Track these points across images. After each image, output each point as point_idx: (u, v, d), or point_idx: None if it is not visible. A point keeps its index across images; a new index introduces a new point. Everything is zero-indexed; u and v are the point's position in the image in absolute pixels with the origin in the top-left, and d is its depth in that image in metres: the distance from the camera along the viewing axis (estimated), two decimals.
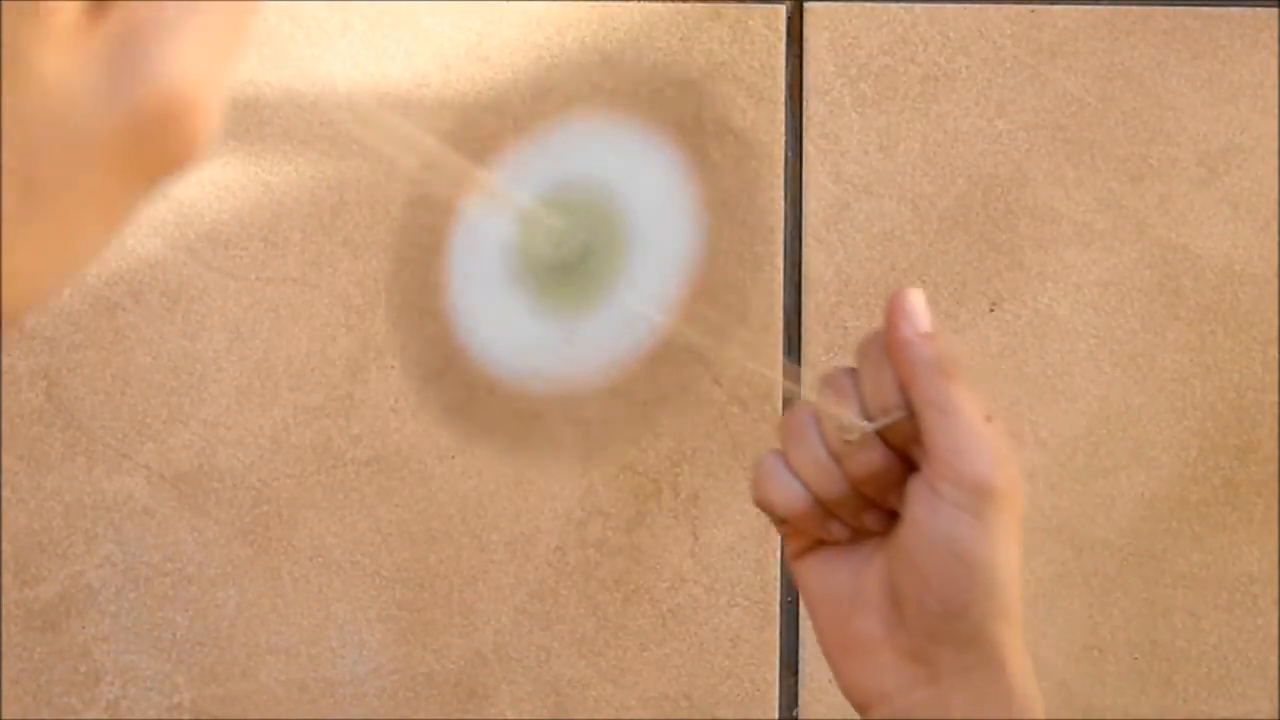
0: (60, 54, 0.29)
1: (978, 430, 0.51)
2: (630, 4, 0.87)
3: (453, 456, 0.86)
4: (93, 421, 0.86)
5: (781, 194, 0.87)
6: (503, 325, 0.50)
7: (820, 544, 0.55)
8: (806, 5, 0.87)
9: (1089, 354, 0.88)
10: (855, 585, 0.54)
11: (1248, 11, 0.88)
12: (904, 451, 0.52)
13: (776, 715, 0.87)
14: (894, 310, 0.54)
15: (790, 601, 0.87)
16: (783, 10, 0.87)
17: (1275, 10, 0.88)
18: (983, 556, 0.49)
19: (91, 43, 0.29)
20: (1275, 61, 0.88)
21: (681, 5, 0.87)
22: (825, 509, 0.54)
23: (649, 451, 0.87)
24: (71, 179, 0.30)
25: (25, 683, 0.86)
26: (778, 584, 0.87)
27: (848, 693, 0.54)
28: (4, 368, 0.86)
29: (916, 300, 0.55)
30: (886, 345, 0.54)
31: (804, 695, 0.87)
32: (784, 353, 0.87)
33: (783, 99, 0.87)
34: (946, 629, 0.50)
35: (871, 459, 0.52)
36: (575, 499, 0.87)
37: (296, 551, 0.87)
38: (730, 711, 0.87)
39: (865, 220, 0.87)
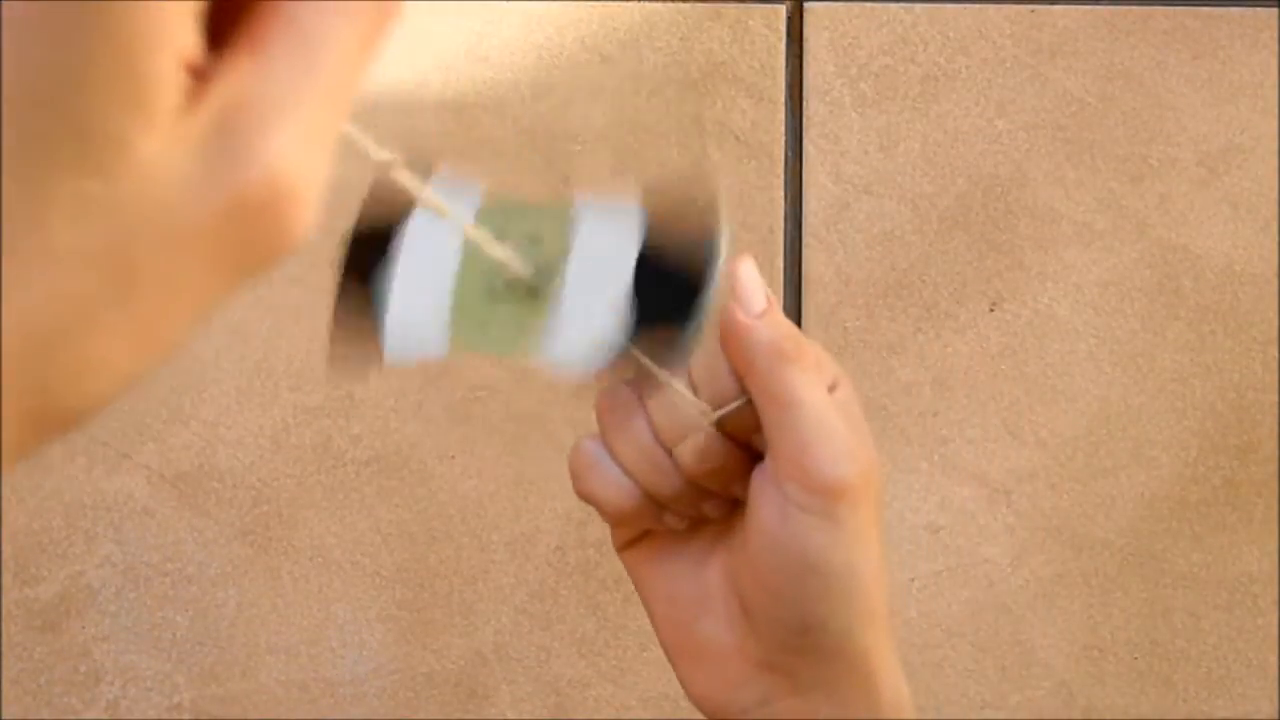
0: (159, 137, 0.27)
1: (824, 421, 0.44)
2: (630, 4, 0.87)
3: (453, 456, 0.86)
4: (92, 421, 0.86)
5: (781, 194, 0.87)
6: (435, 350, 0.46)
7: (651, 533, 0.49)
8: (806, 5, 0.87)
9: (1089, 354, 0.88)
10: (697, 582, 0.48)
11: (1248, 11, 0.88)
12: (745, 439, 0.46)
13: None
14: (741, 292, 0.47)
15: None
16: (783, 10, 0.87)
17: (1275, 10, 0.88)
18: (840, 562, 0.44)
19: (191, 125, 0.28)
20: (1275, 61, 0.88)
21: (681, 5, 0.87)
22: (657, 502, 0.47)
23: None
24: (164, 267, 0.28)
25: (25, 683, 0.86)
26: None
27: (698, 704, 0.49)
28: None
29: (749, 274, 0.47)
30: (718, 328, 0.46)
31: None
32: None
33: (783, 99, 0.87)
34: (805, 642, 0.45)
35: (707, 450, 0.46)
36: (575, 499, 0.87)
37: (296, 551, 0.87)
38: None
39: (865, 220, 0.87)
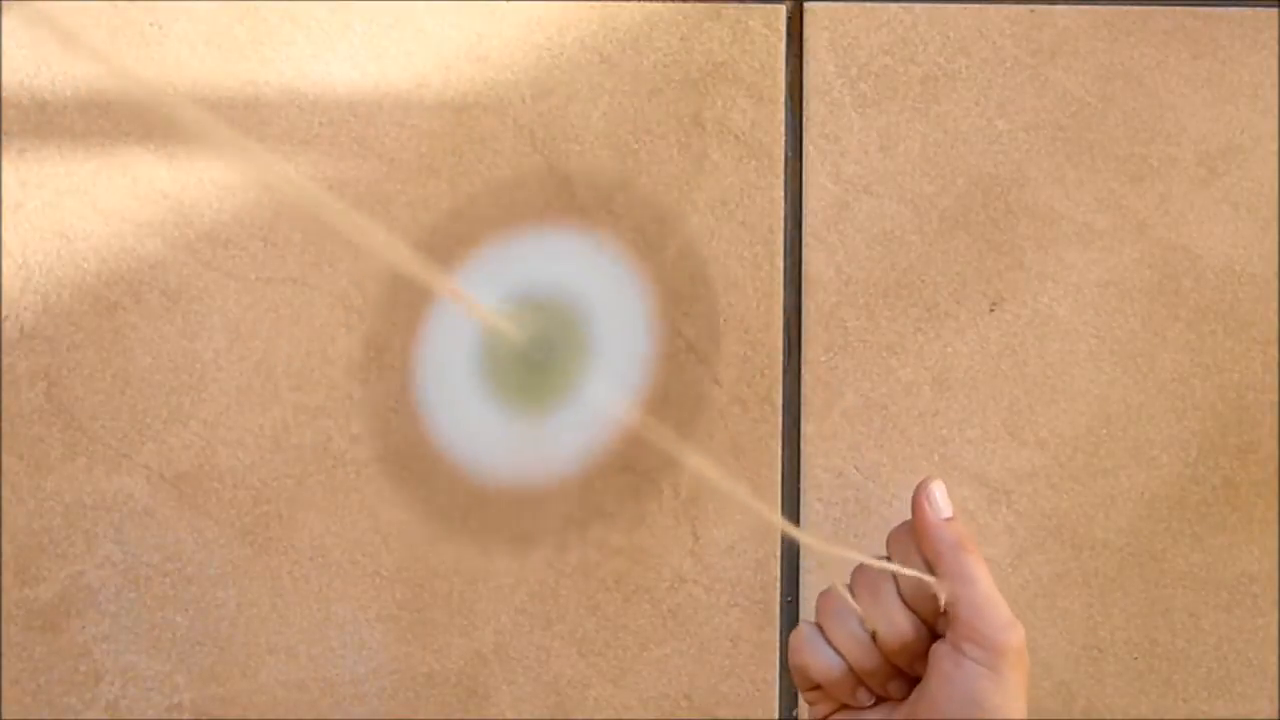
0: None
1: (994, 597, 0.60)
2: (630, 4, 0.87)
3: (453, 456, 0.86)
4: (93, 421, 0.86)
5: (781, 194, 0.87)
6: (471, 422, 0.55)
7: (844, 707, 0.64)
8: (806, 5, 0.87)
9: (1089, 354, 0.88)
10: None
11: (1248, 11, 0.88)
12: (928, 624, 0.61)
13: (776, 715, 0.87)
14: (921, 498, 0.64)
15: (790, 601, 0.87)
16: (783, 10, 0.87)
17: (1275, 10, 0.88)
18: (998, 704, 0.58)
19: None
20: (1275, 61, 0.88)
21: (681, 5, 0.87)
22: (856, 678, 0.62)
23: (649, 451, 0.87)
24: None
25: (25, 683, 0.86)
26: (778, 584, 0.87)
27: None
28: (4, 368, 0.86)
29: (939, 490, 0.64)
30: (915, 526, 0.63)
31: None
32: (784, 352, 0.87)
33: (783, 99, 0.87)
34: None
35: (904, 631, 0.61)
36: (575, 499, 0.87)
37: (296, 551, 0.87)
38: (730, 711, 0.87)
39: (865, 220, 0.87)
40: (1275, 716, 0.89)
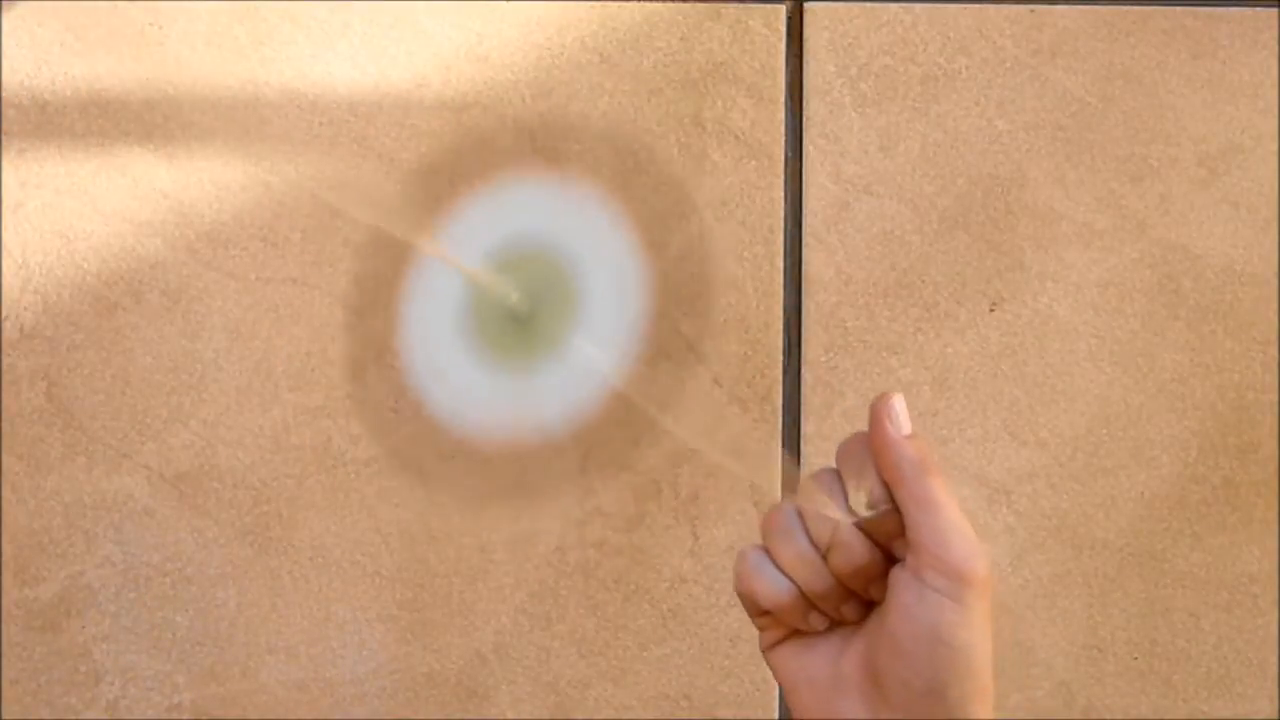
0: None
1: (958, 522, 0.55)
2: (630, 4, 0.87)
3: (453, 456, 0.86)
4: (93, 421, 0.86)
5: (781, 194, 0.87)
6: (457, 379, 0.53)
7: (796, 633, 0.59)
8: (806, 5, 0.87)
9: (1089, 354, 0.88)
10: (834, 670, 0.59)
11: (1248, 11, 0.88)
12: (885, 546, 0.57)
13: (776, 715, 0.87)
14: (879, 413, 0.58)
15: None
16: (783, 10, 0.87)
17: (1275, 10, 0.88)
18: (963, 639, 0.54)
19: None
20: (1275, 61, 0.88)
21: (681, 5, 0.87)
22: (808, 601, 0.58)
23: (649, 451, 0.87)
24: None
25: (25, 683, 0.86)
26: None
27: None
28: (4, 368, 0.86)
29: (899, 404, 0.58)
30: (872, 444, 0.58)
31: None
32: (784, 352, 0.87)
33: (783, 99, 0.87)
34: (929, 705, 0.55)
35: (857, 553, 0.56)
36: (575, 499, 0.87)
37: (296, 551, 0.87)
38: (730, 711, 0.87)
39: (865, 220, 0.87)
40: (1275, 717, 0.89)
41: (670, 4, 0.87)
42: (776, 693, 0.87)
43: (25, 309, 0.86)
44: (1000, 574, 0.88)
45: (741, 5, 0.87)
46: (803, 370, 0.87)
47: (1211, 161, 0.88)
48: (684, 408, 0.86)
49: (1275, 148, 0.88)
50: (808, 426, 0.87)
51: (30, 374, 0.86)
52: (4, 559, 0.86)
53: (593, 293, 0.49)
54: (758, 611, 0.59)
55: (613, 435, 0.86)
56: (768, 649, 0.61)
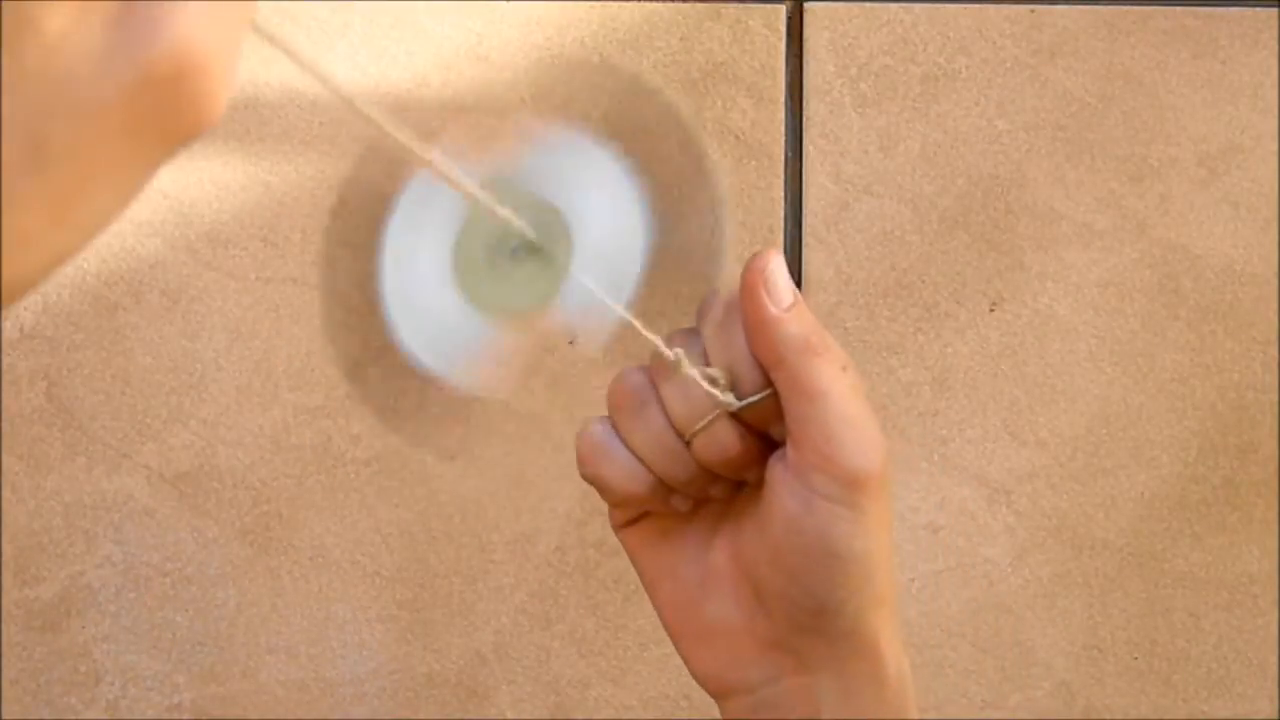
0: (66, 12, 0.28)
1: (849, 414, 0.46)
2: (630, 4, 0.87)
3: (453, 457, 0.86)
4: (93, 421, 0.86)
5: (781, 194, 0.87)
6: (439, 318, 0.46)
7: (653, 514, 0.50)
8: (806, 5, 0.87)
9: (1089, 354, 0.88)
10: (701, 564, 0.49)
11: (1248, 11, 0.88)
12: (761, 428, 0.47)
13: None
14: (753, 281, 0.47)
15: None
16: (783, 10, 0.87)
17: (1275, 10, 0.88)
18: (859, 549, 0.45)
19: (98, 3, 0.28)
20: (1275, 61, 0.88)
21: (681, 5, 0.87)
22: (666, 487, 0.48)
23: None
24: (79, 139, 0.29)
25: (25, 683, 0.86)
26: None
27: (702, 682, 0.50)
28: (4, 368, 0.86)
29: (778, 268, 0.48)
30: (745, 320, 0.47)
31: None
32: None
33: (783, 99, 0.87)
34: (819, 623, 0.46)
35: (725, 440, 0.46)
36: (575, 499, 0.87)
37: (296, 551, 0.87)
38: None
39: (865, 220, 0.87)
40: (1275, 717, 0.89)
41: (670, 4, 0.87)
42: None
43: (25, 309, 0.86)
44: (1000, 574, 0.88)
45: (741, 5, 0.87)
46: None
47: (1211, 161, 0.88)
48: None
49: (1275, 148, 0.88)
50: None
51: (30, 374, 0.86)
52: (4, 559, 0.86)
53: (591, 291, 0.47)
54: (608, 495, 0.49)
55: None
56: (619, 528, 0.51)
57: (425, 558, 0.87)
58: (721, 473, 0.47)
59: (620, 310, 0.46)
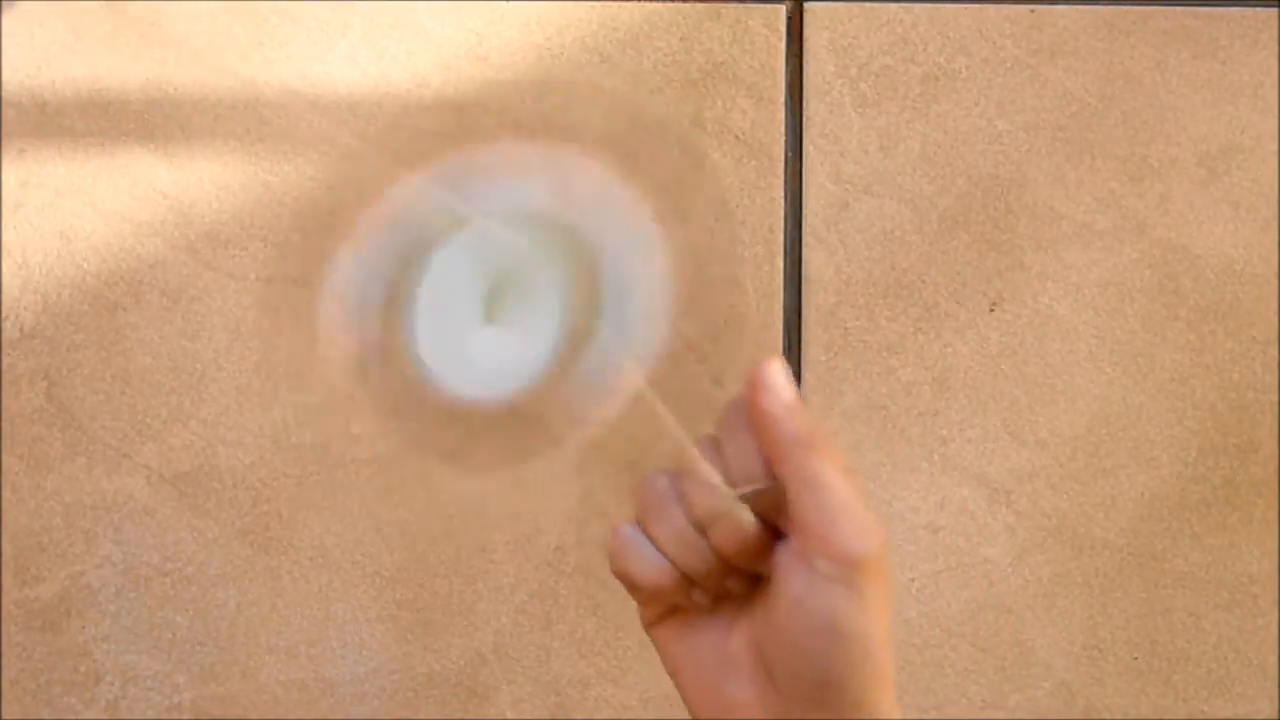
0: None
1: (846, 502, 0.51)
2: (630, 4, 0.87)
3: (453, 456, 0.86)
4: (93, 421, 0.86)
5: (781, 194, 0.87)
6: (463, 346, 0.51)
7: (677, 610, 0.56)
8: (806, 5, 0.87)
9: (1089, 354, 0.88)
10: (721, 650, 0.55)
11: (1248, 11, 0.88)
12: (770, 520, 0.53)
13: None
14: (756, 384, 0.53)
15: None
16: (783, 10, 0.87)
17: (1275, 10, 0.88)
18: (858, 627, 0.50)
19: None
20: (1275, 61, 0.88)
21: (681, 5, 0.87)
22: (689, 580, 0.54)
23: (649, 451, 0.87)
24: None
25: (25, 683, 0.86)
26: None
27: None
28: (4, 368, 0.86)
29: (778, 372, 0.54)
30: (751, 421, 0.53)
31: None
32: (784, 352, 0.87)
33: (783, 99, 0.87)
34: (825, 696, 0.51)
35: (739, 529, 0.52)
36: (575, 499, 0.87)
37: (296, 551, 0.87)
38: None
39: (865, 220, 0.87)
40: (1275, 717, 0.89)
41: (670, 4, 0.87)
42: None
43: (25, 309, 0.86)
44: (1001, 574, 0.88)
45: (741, 5, 0.87)
46: (803, 370, 0.87)
47: (1211, 161, 0.88)
48: (684, 408, 0.86)
49: (1275, 148, 0.88)
50: None
51: (30, 374, 0.86)
52: (4, 559, 0.86)
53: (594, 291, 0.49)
54: (636, 591, 0.55)
55: (613, 435, 0.86)
56: (649, 626, 0.57)
57: (425, 558, 0.87)
58: (736, 562, 0.53)
59: (663, 414, 0.54)
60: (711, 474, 0.53)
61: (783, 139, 0.87)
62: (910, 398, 0.87)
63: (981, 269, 0.88)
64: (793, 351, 0.87)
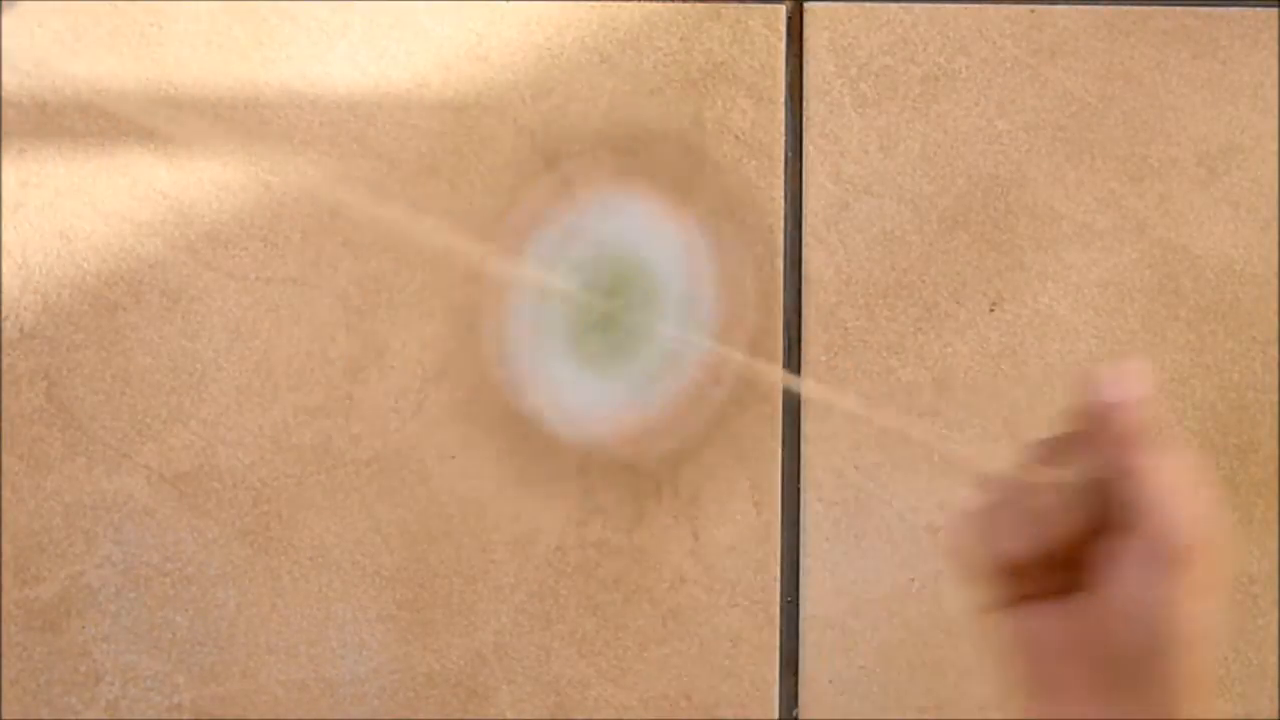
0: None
1: (1170, 495, 0.56)
2: (630, 4, 0.87)
3: (453, 456, 0.86)
4: (93, 421, 0.86)
5: (781, 194, 0.87)
6: (559, 389, 0.55)
7: (1023, 598, 0.60)
8: (806, 5, 0.87)
9: (1089, 354, 0.88)
10: (1056, 638, 0.60)
11: (1248, 11, 0.88)
12: (1104, 514, 0.57)
13: (776, 715, 0.87)
14: (1093, 384, 0.59)
15: (790, 602, 0.87)
16: (783, 10, 0.87)
17: (1275, 10, 0.88)
18: (1182, 615, 0.55)
19: None
20: (1275, 61, 0.88)
21: (681, 5, 0.87)
22: (1034, 566, 0.59)
23: (649, 451, 0.87)
24: None
25: (25, 683, 0.86)
26: (778, 584, 0.87)
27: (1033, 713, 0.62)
28: (4, 368, 0.86)
29: (1114, 374, 0.59)
30: (1085, 414, 0.59)
31: (804, 695, 0.87)
32: (784, 352, 0.87)
33: (783, 99, 0.87)
34: (1146, 682, 0.56)
35: (1074, 519, 0.57)
36: (575, 499, 0.87)
37: (296, 551, 0.87)
38: (730, 711, 0.87)
39: (865, 220, 0.87)
40: (1275, 717, 0.89)
41: (670, 4, 0.87)
42: (776, 693, 0.87)
43: (25, 309, 0.86)
44: None
45: (741, 5, 0.87)
46: (803, 370, 0.87)
47: (1211, 161, 0.88)
48: (684, 408, 0.86)
49: (1275, 148, 0.88)
50: (808, 426, 0.87)
51: (30, 374, 0.86)
52: (4, 559, 0.86)
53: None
54: (996, 570, 0.60)
55: (613, 435, 0.86)
56: (998, 607, 0.62)
57: (425, 558, 0.87)
58: (1072, 553, 0.58)
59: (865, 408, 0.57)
60: (1047, 469, 0.58)
61: (783, 139, 0.87)
62: (910, 398, 0.87)
63: (981, 269, 0.88)
64: (793, 351, 0.87)
